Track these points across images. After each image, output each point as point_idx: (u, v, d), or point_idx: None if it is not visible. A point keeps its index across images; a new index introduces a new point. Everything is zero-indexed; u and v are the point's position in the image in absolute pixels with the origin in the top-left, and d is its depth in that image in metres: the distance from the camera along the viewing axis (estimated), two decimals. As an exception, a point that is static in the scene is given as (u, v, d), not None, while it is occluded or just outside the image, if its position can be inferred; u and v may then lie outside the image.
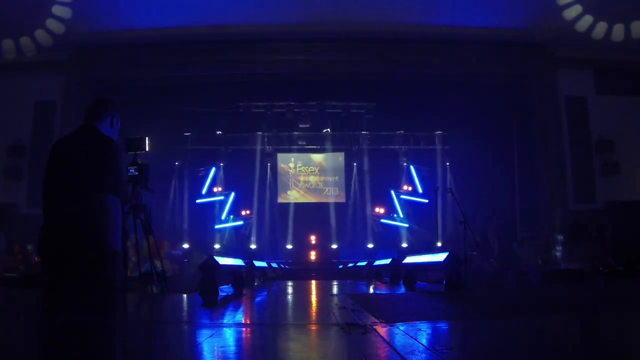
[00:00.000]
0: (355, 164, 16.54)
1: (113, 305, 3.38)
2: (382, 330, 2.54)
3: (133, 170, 4.73)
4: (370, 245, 15.60)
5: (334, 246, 15.97)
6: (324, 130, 16.01)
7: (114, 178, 3.42)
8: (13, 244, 10.08)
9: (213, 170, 16.14)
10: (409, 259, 7.79)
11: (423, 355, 2.10)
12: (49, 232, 3.33)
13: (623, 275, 7.74)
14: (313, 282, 10.96)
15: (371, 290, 7.22)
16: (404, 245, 15.56)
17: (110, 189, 3.38)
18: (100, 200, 3.32)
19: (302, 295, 6.70)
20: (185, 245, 14.29)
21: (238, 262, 6.70)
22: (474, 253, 10.00)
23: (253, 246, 15.54)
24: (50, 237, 3.32)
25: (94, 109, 3.63)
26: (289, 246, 15.95)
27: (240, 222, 15.90)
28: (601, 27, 10.03)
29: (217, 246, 15.14)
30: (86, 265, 3.24)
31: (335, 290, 7.20)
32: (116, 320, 3.20)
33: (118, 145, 3.51)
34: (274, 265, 13.34)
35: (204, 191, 16.03)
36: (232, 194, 16.09)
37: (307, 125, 15.60)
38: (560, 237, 10.44)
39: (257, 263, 10.05)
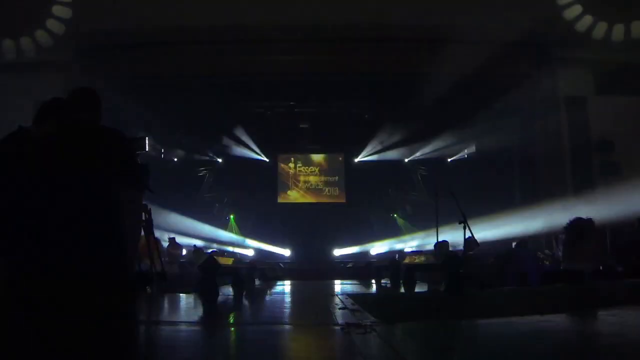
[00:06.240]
0: (354, 164, 16.53)
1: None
2: (382, 330, 2.54)
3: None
4: (369, 246, 15.59)
5: (334, 246, 15.96)
6: (324, 131, 15.99)
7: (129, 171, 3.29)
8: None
9: (214, 170, 16.13)
10: (409, 259, 7.80)
11: (423, 355, 2.11)
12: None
13: (623, 275, 7.72)
14: (313, 282, 10.97)
15: (371, 290, 7.23)
16: (404, 245, 15.53)
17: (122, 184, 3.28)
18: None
19: (302, 295, 6.70)
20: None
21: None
22: (472, 253, 9.97)
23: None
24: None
25: (81, 100, 3.48)
26: (289, 246, 15.94)
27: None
28: (601, 27, 10.02)
29: (216, 246, 15.11)
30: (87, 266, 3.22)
31: (335, 290, 7.20)
32: (131, 320, 3.19)
33: (122, 134, 3.35)
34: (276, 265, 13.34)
35: (204, 191, 16.01)
36: (233, 194, 16.08)
37: (307, 126, 15.60)
38: (560, 237, 10.42)
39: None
